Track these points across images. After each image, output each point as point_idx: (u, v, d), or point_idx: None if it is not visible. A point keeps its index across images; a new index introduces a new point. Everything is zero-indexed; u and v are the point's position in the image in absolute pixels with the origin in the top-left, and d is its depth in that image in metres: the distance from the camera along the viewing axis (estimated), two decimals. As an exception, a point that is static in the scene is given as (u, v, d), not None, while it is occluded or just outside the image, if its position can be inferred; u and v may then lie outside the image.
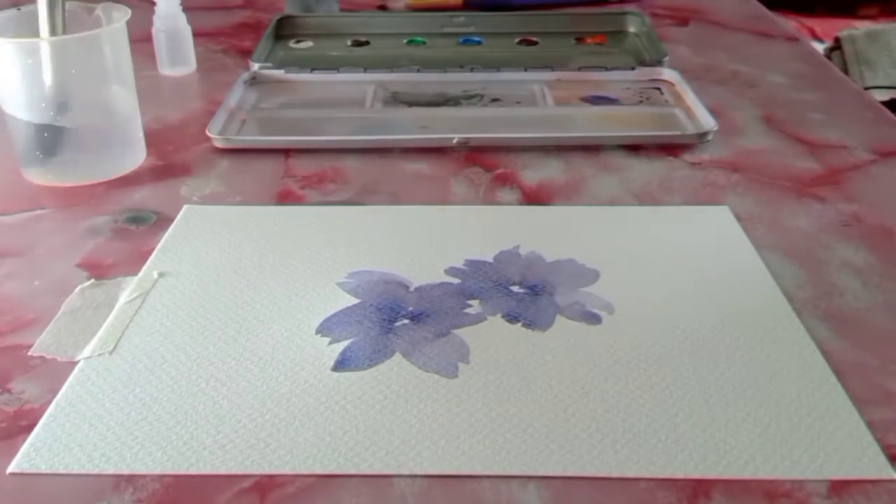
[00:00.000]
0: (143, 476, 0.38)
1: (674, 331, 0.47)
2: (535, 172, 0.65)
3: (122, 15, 0.62)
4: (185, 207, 0.60)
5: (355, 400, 0.42)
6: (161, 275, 0.52)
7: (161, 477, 0.38)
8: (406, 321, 0.48)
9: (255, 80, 0.80)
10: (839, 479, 0.38)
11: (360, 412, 0.41)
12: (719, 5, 1.05)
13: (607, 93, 0.79)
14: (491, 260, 0.53)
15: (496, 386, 0.43)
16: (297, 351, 0.45)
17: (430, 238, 0.56)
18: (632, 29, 0.95)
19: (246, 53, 0.87)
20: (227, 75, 0.82)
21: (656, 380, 0.43)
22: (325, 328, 0.47)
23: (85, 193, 0.62)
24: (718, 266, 0.53)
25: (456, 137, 0.68)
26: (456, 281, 0.51)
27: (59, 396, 0.42)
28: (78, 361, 0.45)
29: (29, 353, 0.46)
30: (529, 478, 0.38)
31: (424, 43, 0.92)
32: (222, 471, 0.38)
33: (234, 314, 0.49)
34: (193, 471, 0.38)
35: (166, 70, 0.84)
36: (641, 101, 0.77)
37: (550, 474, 0.38)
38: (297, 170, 0.65)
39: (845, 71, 1.38)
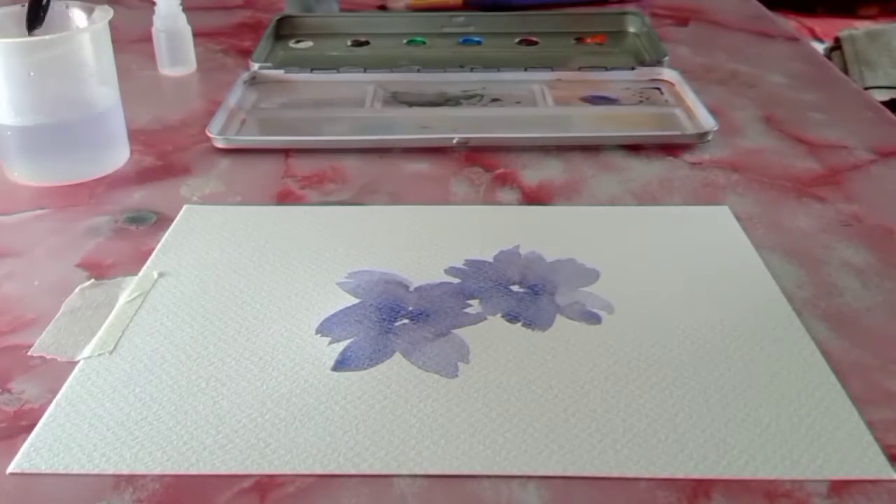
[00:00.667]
0: (143, 476, 0.38)
1: (674, 331, 0.47)
2: (535, 172, 0.65)
3: (105, 15, 0.63)
4: (185, 207, 0.60)
5: (355, 400, 0.42)
6: (161, 275, 0.52)
7: (161, 477, 0.38)
8: (406, 321, 0.48)
9: (255, 80, 0.80)
10: (839, 479, 0.38)
11: (360, 412, 0.41)
12: (719, 5, 1.05)
13: (607, 93, 0.79)
14: (491, 260, 0.53)
15: (496, 386, 0.43)
16: (297, 351, 0.45)
17: (430, 238, 0.56)
18: (632, 29, 0.95)
19: (246, 53, 0.87)
20: (227, 75, 0.82)
21: (656, 380, 0.43)
22: (325, 328, 0.47)
23: (85, 193, 0.62)
24: (718, 266, 0.53)
25: (456, 137, 0.68)
26: (456, 281, 0.51)
27: (59, 396, 0.42)
28: (78, 361, 0.45)
29: (29, 353, 0.46)
30: (529, 478, 0.38)
31: (424, 43, 0.92)
32: (222, 471, 0.38)
33: (234, 314, 0.49)
34: (193, 471, 0.38)
35: (166, 70, 0.84)
36: (641, 101, 0.77)
37: (550, 474, 0.38)
38: (297, 170, 0.65)
39: (845, 71, 1.38)
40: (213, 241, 0.56)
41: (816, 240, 0.56)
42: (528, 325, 0.47)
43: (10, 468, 0.38)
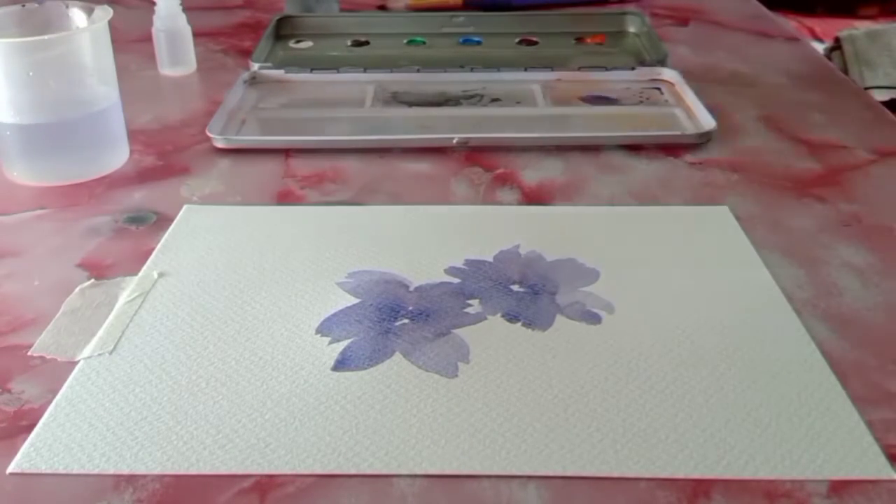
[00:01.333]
0: (143, 476, 0.38)
1: (674, 331, 0.47)
2: (535, 172, 0.65)
3: (104, 14, 0.63)
4: (185, 207, 0.60)
5: (355, 400, 0.42)
6: (161, 275, 0.52)
7: (161, 477, 0.38)
8: (406, 321, 0.48)
9: (255, 80, 0.80)
10: (839, 479, 0.38)
11: (360, 412, 0.41)
12: (719, 5, 1.05)
13: (607, 93, 0.79)
14: (491, 259, 0.53)
15: (496, 386, 0.43)
16: (297, 351, 0.45)
17: (430, 238, 0.56)
18: (632, 29, 0.95)
19: (246, 53, 0.87)
20: (227, 75, 0.82)
21: (656, 380, 0.43)
22: (325, 328, 0.47)
23: (85, 193, 0.62)
24: (718, 266, 0.53)
25: (456, 137, 0.68)
26: (456, 280, 0.51)
27: (59, 396, 0.42)
28: (78, 361, 0.45)
29: (29, 353, 0.46)
30: (529, 478, 0.38)
31: (424, 43, 0.92)
32: (222, 471, 0.38)
33: (234, 314, 0.49)
34: (193, 471, 0.38)
35: (166, 70, 0.84)
36: (641, 101, 0.77)
37: (550, 474, 0.38)
38: (297, 170, 0.65)
39: (845, 71, 1.38)
40: (213, 241, 0.56)
41: (816, 240, 0.56)
42: (528, 324, 0.47)
43: (10, 468, 0.38)
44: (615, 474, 0.38)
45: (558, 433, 0.40)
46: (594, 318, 0.48)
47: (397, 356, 0.45)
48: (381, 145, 0.69)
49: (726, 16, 1.01)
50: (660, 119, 0.74)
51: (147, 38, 0.83)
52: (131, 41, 0.88)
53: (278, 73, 0.81)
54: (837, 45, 1.50)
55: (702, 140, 0.69)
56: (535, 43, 0.92)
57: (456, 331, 0.47)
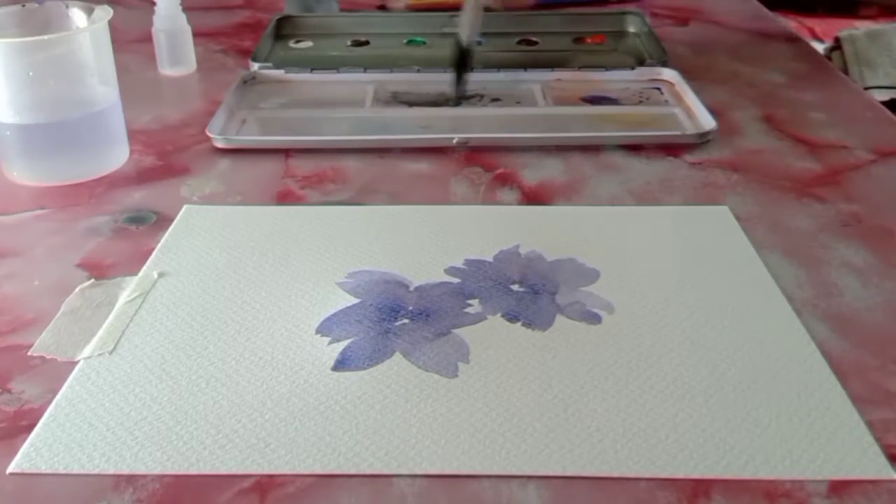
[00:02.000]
0: (143, 476, 0.38)
1: (674, 331, 0.47)
2: (535, 172, 0.65)
3: (104, 14, 0.63)
4: (185, 207, 0.60)
5: (355, 400, 0.42)
6: (161, 275, 0.52)
7: (161, 477, 0.38)
8: (406, 321, 0.48)
9: (255, 80, 0.80)
10: (839, 479, 0.38)
11: (360, 412, 0.41)
12: (719, 5, 1.05)
13: (607, 93, 0.79)
14: (491, 259, 0.53)
15: (496, 386, 0.43)
16: (297, 351, 0.45)
17: (430, 238, 0.56)
18: (632, 29, 0.95)
19: (246, 53, 0.87)
20: (227, 75, 0.82)
21: (656, 380, 0.43)
22: (325, 328, 0.47)
23: (85, 193, 0.62)
24: (718, 266, 0.53)
25: (456, 137, 0.68)
26: (456, 280, 0.51)
27: (59, 396, 0.42)
28: (78, 361, 0.45)
29: (29, 353, 0.46)
30: (529, 478, 0.38)
31: (424, 43, 0.92)
32: (222, 471, 0.38)
33: (234, 314, 0.49)
34: (193, 471, 0.38)
35: (166, 70, 0.84)
36: (641, 101, 0.77)
37: (550, 474, 0.38)
38: (297, 170, 0.65)
39: (845, 71, 1.38)
40: (213, 241, 0.56)
41: (816, 240, 0.56)
42: (528, 324, 0.47)
43: (10, 468, 0.38)
44: (615, 474, 0.38)
45: (558, 433, 0.40)
46: (594, 318, 0.48)
47: (397, 356, 0.45)
48: (381, 145, 0.69)
49: (726, 16, 1.01)
50: (660, 119, 0.74)
51: (147, 38, 0.83)
52: (131, 41, 0.88)
53: (278, 73, 0.81)
54: (837, 45, 1.50)
55: (702, 140, 0.69)
56: (535, 43, 0.92)
57: (456, 331, 0.47)
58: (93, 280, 0.52)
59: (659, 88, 0.80)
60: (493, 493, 0.37)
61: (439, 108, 0.75)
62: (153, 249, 0.55)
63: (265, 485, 0.38)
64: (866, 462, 0.39)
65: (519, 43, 0.92)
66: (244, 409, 0.42)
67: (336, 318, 0.48)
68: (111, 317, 0.48)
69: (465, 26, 0.76)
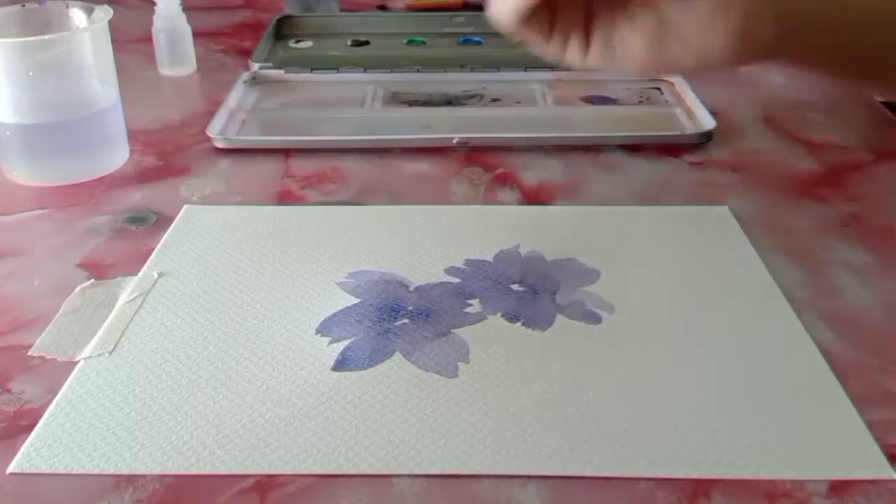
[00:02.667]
0: (143, 476, 0.38)
1: (674, 331, 0.47)
2: (535, 172, 0.65)
3: (104, 14, 0.63)
4: (185, 207, 0.60)
5: (355, 400, 0.42)
6: (161, 275, 0.52)
7: (161, 477, 0.38)
8: (406, 321, 0.48)
9: (255, 80, 0.80)
10: (839, 479, 0.38)
11: (360, 412, 0.41)
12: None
13: (607, 93, 0.79)
14: (491, 259, 0.53)
15: (496, 386, 0.43)
16: (297, 351, 0.45)
17: (430, 238, 0.56)
18: (632, 29, 0.94)
19: (246, 53, 0.87)
20: (227, 75, 0.82)
21: (656, 380, 0.43)
22: (325, 328, 0.47)
23: (85, 193, 0.62)
24: (718, 266, 0.53)
25: (456, 137, 0.68)
26: (456, 280, 0.51)
27: (59, 396, 0.42)
28: (78, 361, 0.45)
29: (29, 353, 0.46)
30: (529, 478, 0.38)
31: (424, 43, 0.92)
32: (222, 471, 0.38)
33: (234, 314, 0.49)
34: (193, 471, 0.38)
35: (166, 70, 0.84)
36: (641, 101, 0.77)
37: (550, 474, 0.38)
38: (297, 170, 0.65)
39: (845, 71, 1.38)
40: (213, 241, 0.56)
41: (816, 240, 0.56)
42: (528, 324, 0.47)
43: (10, 468, 0.38)
44: (615, 474, 0.38)
45: (558, 433, 0.40)
46: (594, 318, 0.48)
47: (397, 356, 0.45)
48: (381, 145, 0.69)
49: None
50: (660, 119, 0.74)
51: (147, 38, 0.83)
52: (131, 41, 0.88)
53: (278, 73, 0.81)
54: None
55: (702, 140, 0.69)
56: (535, 43, 0.92)
57: (456, 330, 0.47)
58: (93, 280, 0.52)
59: (659, 88, 0.80)
60: (493, 493, 0.37)
61: (439, 108, 0.75)
62: (153, 249, 0.55)
63: (265, 485, 0.38)
64: (866, 462, 0.39)
65: (519, 43, 0.92)
66: (244, 409, 0.42)
67: (336, 318, 0.48)
68: (111, 317, 0.48)
69: None
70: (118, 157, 0.66)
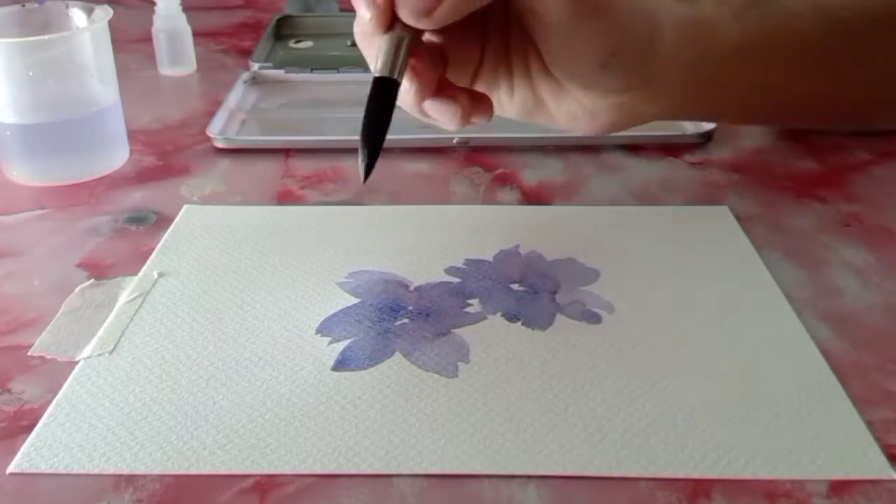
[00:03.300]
0: (143, 476, 0.38)
1: (674, 331, 0.47)
2: (535, 172, 0.65)
3: (105, 14, 0.63)
4: (185, 207, 0.60)
5: (355, 400, 0.42)
6: (161, 275, 0.52)
7: (161, 477, 0.38)
8: (406, 320, 0.48)
9: (255, 80, 0.80)
10: (839, 479, 0.38)
11: (360, 412, 0.41)
12: (719, 5, 1.05)
13: (607, 93, 0.79)
14: (491, 259, 0.53)
15: (496, 386, 0.43)
16: (297, 351, 0.45)
17: (430, 238, 0.56)
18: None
19: (246, 53, 0.87)
20: (227, 75, 0.82)
21: (656, 380, 0.43)
22: (325, 328, 0.47)
23: (84, 193, 0.62)
24: (718, 266, 0.53)
25: (456, 137, 0.68)
26: (456, 280, 0.51)
27: (59, 396, 0.42)
28: (78, 361, 0.45)
29: (29, 353, 0.46)
30: (529, 478, 0.38)
31: (424, 43, 0.92)
32: (222, 471, 0.38)
33: (234, 314, 0.49)
34: (193, 471, 0.38)
35: (166, 70, 0.84)
36: (641, 101, 0.77)
37: (550, 474, 0.38)
38: (297, 170, 0.65)
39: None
40: (213, 241, 0.56)
41: (816, 240, 0.56)
42: (528, 324, 0.47)
43: (10, 468, 0.38)
44: (615, 474, 0.38)
45: (558, 433, 0.40)
46: (594, 318, 0.48)
47: (397, 356, 0.45)
48: (381, 145, 0.68)
49: (726, 16, 1.01)
50: (660, 119, 0.74)
51: (147, 38, 0.83)
52: (131, 41, 0.88)
53: (278, 73, 0.81)
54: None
55: (702, 140, 0.69)
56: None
57: (456, 330, 0.47)
58: (93, 280, 0.52)
59: (659, 88, 0.80)
60: (493, 493, 0.37)
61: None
62: (153, 249, 0.55)
63: (265, 485, 0.38)
64: (866, 462, 0.39)
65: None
66: (244, 409, 0.42)
67: (336, 317, 0.48)
68: (111, 317, 0.48)
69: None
70: (118, 157, 0.66)
